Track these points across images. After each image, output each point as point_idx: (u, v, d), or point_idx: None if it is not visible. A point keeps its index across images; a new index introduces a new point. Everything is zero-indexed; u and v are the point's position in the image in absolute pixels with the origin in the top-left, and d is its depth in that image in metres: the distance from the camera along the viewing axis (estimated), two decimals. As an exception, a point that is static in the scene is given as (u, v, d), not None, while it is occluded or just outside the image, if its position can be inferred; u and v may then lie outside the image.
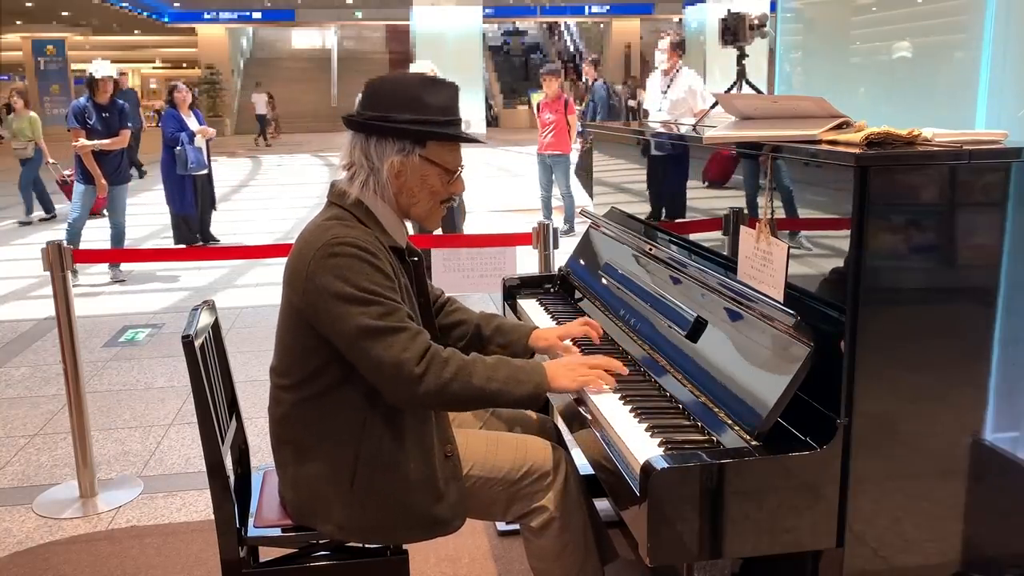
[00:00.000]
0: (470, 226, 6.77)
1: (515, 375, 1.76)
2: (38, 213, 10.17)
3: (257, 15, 28.80)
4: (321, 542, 1.88)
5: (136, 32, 33.80)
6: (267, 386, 1.89)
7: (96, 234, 7.37)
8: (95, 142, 6.42)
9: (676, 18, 25.01)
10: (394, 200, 1.81)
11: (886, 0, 3.13)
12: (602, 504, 2.21)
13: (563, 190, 8.40)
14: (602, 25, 31.91)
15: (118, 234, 6.79)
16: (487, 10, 22.78)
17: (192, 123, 7.59)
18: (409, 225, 1.96)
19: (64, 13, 26.05)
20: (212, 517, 1.83)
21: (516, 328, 2.12)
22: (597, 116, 8.75)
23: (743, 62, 3.52)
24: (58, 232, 8.02)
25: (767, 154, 1.79)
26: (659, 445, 1.61)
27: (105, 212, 6.86)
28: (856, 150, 1.54)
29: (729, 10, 3.29)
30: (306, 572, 1.87)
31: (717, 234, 2.12)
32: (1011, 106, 2.35)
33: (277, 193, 12.78)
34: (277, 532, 1.87)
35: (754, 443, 1.53)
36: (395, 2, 24.32)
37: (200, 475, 3.19)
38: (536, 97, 8.82)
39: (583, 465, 1.95)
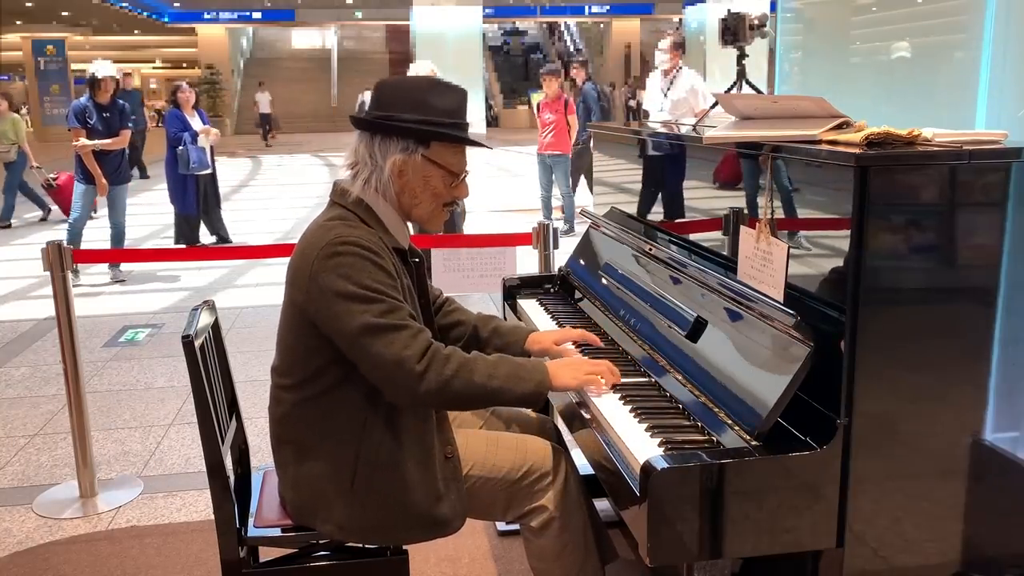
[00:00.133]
0: (470, 226, 6.78)
1: (516, 373, 1.76)
2: (33, 214, 10.13)
3: (257, 15, 28.80)
4: (321, 542, 1.88)
5: (136, 32, 33.81)
6: (267, 386, 1.89)
7: (96, 234, 7.36)
8: (95, 142, 6.42)
9: (676, 18, 25.01)
10: (396, 200, 1.81)
11: (886, 0, 3.13)
12: (602, 504, 2.21)
13: (563, 190, 8.40)
14: (602, 25, 31.92)
15: (118, 234, 6.80)
16: (487, 10, 22.74)
17: (196, 123, 7.60)
18: (410, 226, 1.96)
19: (64, 13, 26.04)
20: (212, 517, 1.83)
21: (513, 330, 2.13)
22: (592, 117, 8.73)
23: (743, 62, 3.51)
24: (57, 232, 8.03)
25: (767, 154, 1.79)
26: (659, 445, 1.61)
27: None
28: (856, 150, 1.54)
29: (729, 10, 3.29)
30: (306, 572, 1.87)
31: (717, 234, 2.12)
32: (1011, 106, 2.35)
33: (277, 193, 12.79)
34: (277, 532, 1.87)
35: (754, 443, 1.53)
36: (395, 2, 24.30)
37: (200, 475, 3.19)
38: (536, 97, 8.80)
39: (583, 465, 1.95)
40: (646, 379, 1.96)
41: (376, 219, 1.79)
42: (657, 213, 2.57)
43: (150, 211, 10.25)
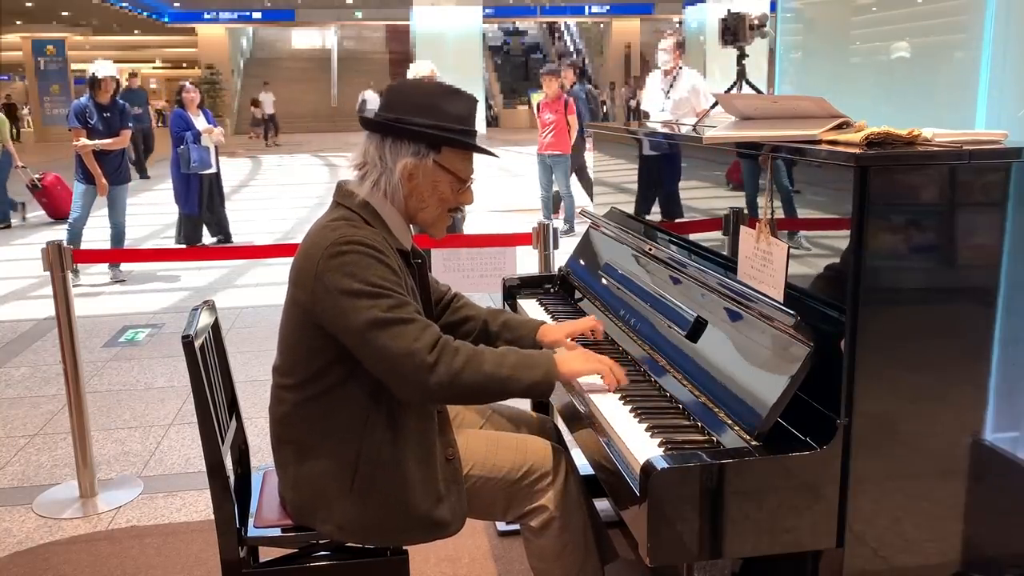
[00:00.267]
0: (470, 226, 6.77)
1: (524, 361, 1.76)
2: (35, 214, 10.11)
3: (257, 15, 28.82)
4: (321, 542, 1.88)
5: (136, 32, 33.82)
6: (267, 386, 1.88)
7: (96, 234, 7.37)
8: (96, 142, 6.43)
9: (676, 18, 25.02)
10: (403, 203, 1.81)
11: (886, 0, 3.13)
12: (602, 504, 2.21)
13: (563, 190, 8.40)
14: (602, 25, 31.94)
15: (118, 234, 6.80)
16: (487, 10, 22.80)
17: (200, 123, 7.62)
18: (411, 228, 1.96)
19: (64, 13, 26.06)
20: (212, 517, 1.83)
21: (524, 324, 2.13)
22: (584, 118, 8.73)
23: (743, 62, 3.52)
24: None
25: (767, 154, 1.79)
26: (659, 445, 1.61)
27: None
28: (856, 150, 1.54)
29: (729, 10, 3.30)
30: (306, 572, 1.87)
31: (717, 234, 2.12)
32: (1011, 106, 2.35)
33: (277, 193, 12.79)
34: (277, 532, 1.87)
35: (754, 443, 1.53)
36: (395, 2, 24.34)
37: (200, 475, 3.19)
38: (536, 97, 8.80)
39: (583, 465, 1.95)
40: (646, 379, 1.96)
41: (380, 221, 1.79)
42: (657, 213, 2.57)
43: (150, 211, 10.25)
